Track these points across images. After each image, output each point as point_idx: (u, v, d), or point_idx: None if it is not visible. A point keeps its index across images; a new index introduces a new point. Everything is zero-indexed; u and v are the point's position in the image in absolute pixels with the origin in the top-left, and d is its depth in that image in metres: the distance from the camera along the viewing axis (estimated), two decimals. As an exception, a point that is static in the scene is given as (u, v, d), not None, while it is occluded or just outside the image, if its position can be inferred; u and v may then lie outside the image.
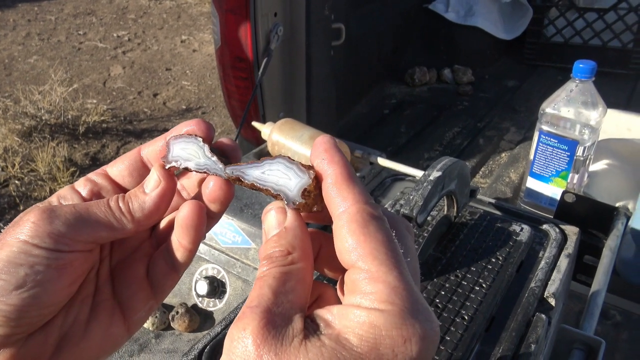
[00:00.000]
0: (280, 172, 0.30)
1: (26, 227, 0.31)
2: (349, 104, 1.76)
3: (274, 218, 0.30)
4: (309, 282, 0.28)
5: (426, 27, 2.30)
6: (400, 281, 0.25)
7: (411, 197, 0.59)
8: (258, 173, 0.31)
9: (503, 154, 1.62)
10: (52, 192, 2.53)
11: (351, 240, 0.27)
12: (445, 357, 0.56)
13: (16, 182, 2.58)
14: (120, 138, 3.03)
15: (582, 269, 0.83)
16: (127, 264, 0.37)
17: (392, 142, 1.65)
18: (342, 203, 0.28)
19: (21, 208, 2.45)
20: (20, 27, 4.55)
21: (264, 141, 0.92)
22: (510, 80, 2.24)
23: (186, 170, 0.34)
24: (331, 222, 0.29)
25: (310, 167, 0.30)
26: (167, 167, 0.34)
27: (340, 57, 1.44)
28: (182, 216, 0.34)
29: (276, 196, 0.30)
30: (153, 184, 0.34)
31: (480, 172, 1.53)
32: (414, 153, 1.59)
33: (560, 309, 0.74)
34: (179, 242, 0.35)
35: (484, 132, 1.76)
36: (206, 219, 0.35)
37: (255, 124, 0.89)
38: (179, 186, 0.37)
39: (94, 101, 3.31)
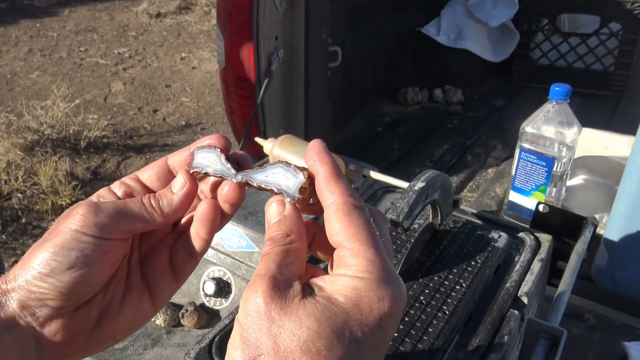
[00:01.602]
0: (280, 174, 0.37)
1: (76, 218, 0.38)
2: (344, 121, 1.83)
3: (275, 208, 0.37)
4: (304, 257, 0.36)
5: (418, 49, 2.38)
6: (377, 256, 0.33)
7: (398, 205, 0.67)
8: (263, 177, 0.38)
9: (489, 170, 1.70)
10: (54, 205, 2.58)
11: (338, 225, 0.34)
12: (428, 346, 0.64)
13: (19, 195, 2.63)
14: (120, 153, 3.09)
15: (555, 274, 0.90)
16: (153, 253, 0.43)
17: (385, 158, 1.72)
18: (330, 196, 0.35)
19: (23, 221, 2.49)
20: (22, 43, 4.63)
21: (264, 155, 1.00)
22: (498, 100, 2.32)
23: (206, 175, 0.41)
24: (323, 213, 0.36)
25: (303, 169, 0.37)
26: (191, 172, 0.41)
27: (336, 78, 1.51)
28: (200, 211, 0.41)
29: (279, 194, 0.37)
30: (179, 185, 0.41)
31: (468, 187, 1.61)
32: (406, 168, 1.67)
33: (535, 308, 0.81)
34: (197, 233, 0.41)
35: (472, 149, 1.84)
36: (220, 215, 0.42)
37: (257, 139, 0.97)
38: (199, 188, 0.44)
39: (95, 116, 3.37)
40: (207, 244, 0.42)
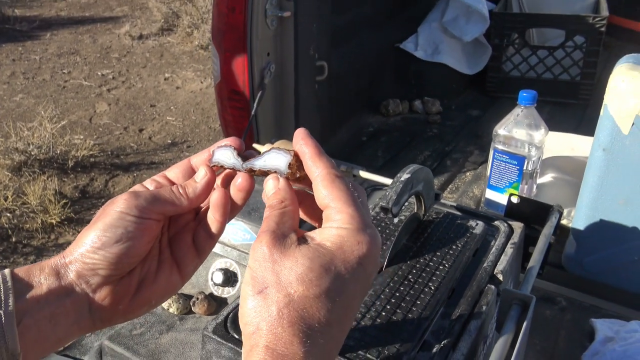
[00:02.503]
0: (273, 157, 0.47)
1: (120, 202, 0.46)
2: (331, 131, 1.93)
3: (271, 183, 0.46)
4: (297, 217, 0.45)
5: (398, 63, 2.49)
6: (355, 211, 0.41)
7: (387, 194, 0.76)
8: (261, 162, 0.47)
9: (468, 173, 1.81)
10: (43, 223, 2.61)
11: (324, 191, 0.42)
12: (416, 315, 0.72)
13: (8, 214, 2.66)
14: (108, 172, 3.13)
15: (527, 259, 1.00)
16: (179, 235, 0.51)
17: (370, 165, 1.82)
18: (316, 170, 0.44)
19: (13, 240, 2.52)
20: (4, 66, 4.64)
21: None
22: (474, 110, 2.43)
23: (222, 168, 0.50)
24: (311, 185, 0.45)
25: (290, 150, 0.46)
26: (211, 166, 0.50)
27: (323, 91, 1.60)
28: (214, 198, 0.49)
29: (274, 172, 0.47)
30: (202, 175, 0.50)
31: (448, 189, 1.72)
32: (390, 173, 1.75)
33: (510, 286, 0.91)
34: (213, 217, 0.49)
35: (451, 155, 1.95)
36: (229, 200, 0.50)
37: (255, 145, 1.06)
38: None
39: (81, 137, 3.40)
40: (222, 225, 0.51)
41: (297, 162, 0.46)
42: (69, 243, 2.56)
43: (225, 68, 1.28)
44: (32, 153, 3.04)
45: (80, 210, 2.78)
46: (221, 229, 0.51)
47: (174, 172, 0.52)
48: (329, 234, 0.41)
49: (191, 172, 0.52)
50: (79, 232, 2.54)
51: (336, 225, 0.41)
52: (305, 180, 0.47)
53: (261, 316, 0.38)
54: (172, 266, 0.50)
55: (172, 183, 0.51)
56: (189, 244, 0.51)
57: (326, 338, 0.38)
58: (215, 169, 0.51)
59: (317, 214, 0.46)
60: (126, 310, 0.48)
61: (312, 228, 0.47)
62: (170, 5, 5.68)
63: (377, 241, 0.42)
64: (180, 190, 0.49)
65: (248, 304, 0.39)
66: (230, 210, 0.50)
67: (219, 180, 0.52)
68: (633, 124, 1.04)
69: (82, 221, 2.69)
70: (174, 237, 0.51)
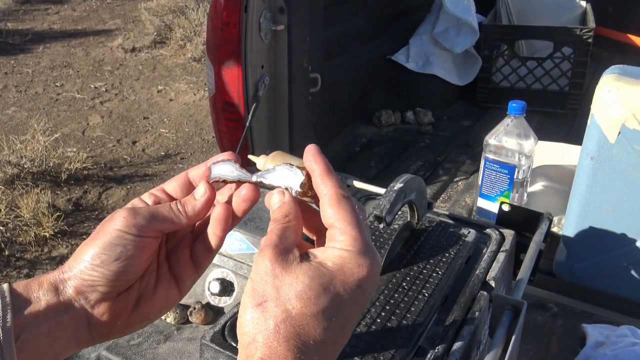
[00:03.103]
0: (284, 174, 0.47)
1: (119, 220, 0.46)
2: (325, 142, 1.94)
3: (277, 197, 0.46)
4: (300, 232, 0.45)
5: (390, 75, 2.52)
6: (359, 234, 0.42)
7: (381, 203, 0.78)
8: (272, 176, 0.48)
9: (460, 183, 1.83)
10: (37, 236, 2.60)
11: (330, 210, 0.43)
12: (411, 322, 0.74)
13: (1, 228, 2.64)
14: (101, 184, 3.12)
15: (519, 266, 1.02)
16: (177, 249, 0.51)
17: (363, 175, 1.84)
18: (324, 188, 0.44)
19: (6, 253, 2.51)
20: (-3, 79, 4.63)
21: (257, 171, 1.10)
22: (465, 121, 2.46)
23: (224, 182, 0.49)
24: (319, 202, 0.46)
25: (302, 168, 0.47)
26: (210, 182, 0.49)
27: (316, 102, 1.62)
28: (217, 213, 0.49)
29: (286, 189, 0.47)
30: (201, 192, 0.49)
31: (441, 198, 1.74)
32: (383, 183, 1.78)
33: (501, 291, 0.92)
34: (213, 232, 0.49)
35: (443, 165, 1.97)
36: (231, 215, 0.49)
37: (251, 157, 1.08)
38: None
39: (74, 149, 3.40)
40: (221, 240, 0.50)
41: (308, 182, 0.46)
42: (62, 256, 2.56)
43: (219, 81, 1.30)
44: (25, 166, 3.04)
45: (73, 223, 2.77)
46: (220, 244, 0.51)
47: (172, 186, 0.52)
48: (331, 254, 0.42)
49: (189, 186, 0.52)
50: (72, 245, 2.53)
51: (339, 246, 0.42)
52: (315, 197, 0.47)
53: (258, 328, 0.39)
54: (170, 281, 0.51)
55: (171, 197, 0.51)
56: (187, 258, 0.51)
57: (320, 355, 0.39)
58: (214, 185, 0.50)
59: (316, 228, 0.47)
60: (124, 325, 0.49)
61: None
62: (163, 18, 5.71)
63: (377, 264, 0.42)
64: (180, 208, 0.49)
65: (247, 315, 0.40)
66: (232, 218, 0.50)
67: (219, 196, 0.52)
68: (619, 133, 1.07)
69: (75, 234, 2.68)
70: (172, 251, 0.52)
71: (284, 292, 0.39)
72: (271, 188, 0.48)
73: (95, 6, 7.04)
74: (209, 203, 0.49)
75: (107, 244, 0.45)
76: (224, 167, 0.49)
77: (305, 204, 0.49)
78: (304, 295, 0.39)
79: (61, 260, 2.50)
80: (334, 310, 0.40)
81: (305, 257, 0.42)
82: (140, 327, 0.51)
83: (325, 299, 0.39)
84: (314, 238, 0.50)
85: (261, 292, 0.40)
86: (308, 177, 0.46)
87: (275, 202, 0.46)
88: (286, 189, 0.47)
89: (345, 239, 0.42)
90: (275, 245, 0.42)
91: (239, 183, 0.49)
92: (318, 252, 0.42)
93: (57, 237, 2.64)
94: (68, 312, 0.45)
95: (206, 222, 0.51)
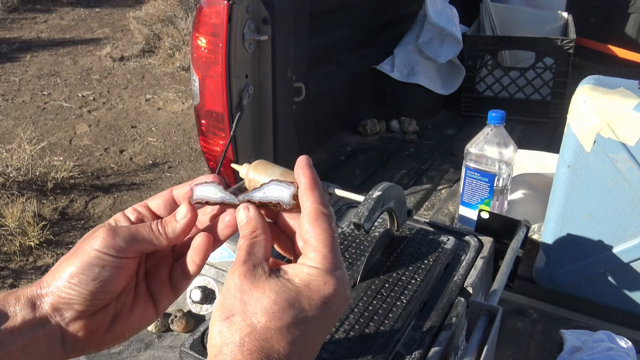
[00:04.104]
0: (273, 190, 0.47)
1: (98, 240, 0.46)
2: (309, 151, 1.96)
3: (242, 213, 0.47)
4: (269, 246, 0.46)
5: (375, 84, 2.55)
6: (330, 253, 0.43)
7: (359, 210, 0.79)
8: (261, 194, 0.47)
9: (443, 191, 1.86)
10: (22, 246, 2.58)
11: (307, 226, 0.44)
12: (389, 327, 0.75)
13: (-15, 237, 2.62)
14: (88, 193, 3.10)
15: (498, 272, 1.04)
16: (156, 269, 0.52)
17: (348, 184, 1.86)
18: (306, 202, 0.45)
19: (-9, 262, 2.48)
20: (-17, 88, 4.60)
21: (240, 179, 1.11)
22: (449, 129, 2.49)
23: (207, 204, 0.48)
24: None
25: (292, 182, 0.47)
26: (193, 203, 0.49)
27: (301, 112, 1.64)
28: (197, 242, 0.49)
29: (277, 204, 0.47)
30: (182, 215, 0.49)
31: (424, 206, 1.76)
32: (367, 192, 1.80)
33: (480, 297, 0.94)
34: (192, 259, 0.50)
35: (427, 173, 2.00)
36: (212, 245, 0.50)
37: (233, 165, 1.08)
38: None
39: (61, 158, 3.38)
40: (199, 268, 0.51)
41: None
42: (47, 265, 2.53)
43: (204, 90, 1.31)
44: (11, 175, 3.01)
45: (59, 232, 2.75)
46: (198, 271, 0.51)
47: (156, 204, 0.52)
48: (300, 270, 0.43)
49: (173, 204, 0.52)
50: (57, 255, 2.50)
51: (309, 263, 0.43)
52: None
53: (224, 341, 0.40)
54: (147, 301, 0.51)
55: (154, 214, 0.52)
56: (165, 279, 0.52)
57: None
58: (196, 206, 0.49)
59: (285, 242, 0.48)
60: (99, 342, 0.49)
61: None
62: (152, 27, 5.71)
63: (344, 283, 0.43)
64: (160, 229, 0.49)
65: (215, 327, 0.41)
66: (213, 244, 0.50)
67: (202, 216, 0.52)
68: (595, 141, 1.10)
69: (61, 243, 2.66)
70: (151, 271, 0.52)
71: (251, 307, 0.41)
72: (262, 207, 0.48)
73: (83, 15, 7.03)
74: (190, 226, 0.49)
75: (85, 263, 0.46)
76: (207, 188, 0.49)
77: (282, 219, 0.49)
78: (269, 310, 0.40)
79: (46, 269, 2.47)
80: (299, 325, 0.41)
81: (274, 272, 0.43)
82: (115, 344, 0.52)
83: (290, 314, 0.41)
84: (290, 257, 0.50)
85: (229, 307, 0.41)
86: (298, 189, 0.46)
87: (241, 219, 0.47)
88: (278, 203, 0.47)
89: (316, 257, 0.43)
90: (244, 261, 0.43)
91: (222, 205, 0.49)
92: (289, 269, 0.44)
93: (42, 246, 2.62)
94: (43, 328, 0.46)
95: (187, 244, 0.51)
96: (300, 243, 0.47)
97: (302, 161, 0.47)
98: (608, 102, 1.07)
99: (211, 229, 0.50)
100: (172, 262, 0.52)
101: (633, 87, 1.10)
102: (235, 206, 0.48)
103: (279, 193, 0.47)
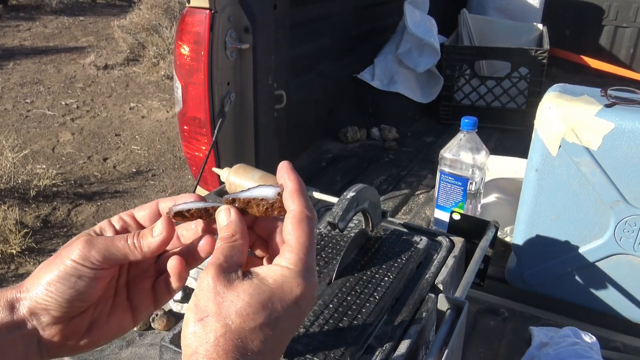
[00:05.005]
0: (261, 190, 0.50)
1: (75, 251, 0.48)
2: (291, 158, 1.98)
3: (223, 215, 0.48)
4: (246, 250, 0.47)
5: (356, 93, 2.59)
6: (305, 256, 0.45)
7: (334, 210, 0.83)
8: (247, 193, 0.50)
9: (421, 196, 1.91)
10: (3, 253, 2.57)
11: (290, 227, 0.46)
12: (361, 322, 0.79)
13: (-34, 245, 2.60)
14: (71, 201, 3.10)
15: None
16: (138, 279, 0.53)
17: (329, 189, 1.89)
18: (292, 205, 0.47)
19: (-29, 270, 2.47)
20: (-35, 96, 4.56)
21: (222, 183, 1.15)
22: (428, 137, 2.55)
23: (188, 213, 0.49)
24: None
25: (277, 185, 0.49)
26: (173, 214, 0.49)
27: (282, 119, 1.67)
28: (171, 265, 0.50)
29: (261, 200, 0.48)
30: (158, 232, 0.50)
31: (402, 210, 1.80)
32: (347, 197, 1.84)
33: (450, 294, 0.98)
34: (171, 280, 0.51)
35: (406, 179, 2.05)
36: (186, 268, 0.51)
37: (215, 169, 1.12)
38: (179, 233, 0.53)
39: (44, 166, 3.37)
40: (181, 285, 0.52)
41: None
42: (29, 273, 2.53)
43: (187, 96, 1.35)
44: (-8, 183, 3.00)
45: (41, 240, 2.75)
46: (180, 288, 0.53)
47: (142, 215, 0.53)
48: (274, 271, 0.45)
49: (158, 216, 0.53)
50: (40, 262, 2.51)
51: (284, 263, 0.45)
52: (283, 211, 0.48)
53: (199, 341, 0.42)
54: (125, 310, 0.52)
55: (139, 224, 0.53)
56: (148, 290, 0.53)
57: None
58: (173, 223, 0.50)
59: (262, 245, 0.50)
60: (74, 347, 0.51)
61: None
62: (136, 36, 5.72)
63: (313, 286, 0.46)
64: (135, 243, 0.50)
65: (189, 328, 0.42)
66: (189, 264, 0.52)
67: (188, 233, 0.53)
68: (560, 146, 1.15)
69: (43, 251, 2.66)
70: (133, 280, 0.53)
71: (225, 309, 0.42)
72: (244, 205, 0.49)
73: (67, 23, 7.01)
74: (165, 243, 0.50)
75: (62, 272, 0.47)
76: (187, 205, 0.50)
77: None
78: (243, 312, 0.42)
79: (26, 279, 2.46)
80: (271, 324, 0.43)
81: (247, 274, 0.45)
82: (90, 349, 0.53)
83: (263, 314, 0.42)
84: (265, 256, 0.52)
85: (203, 308, 0.43)
86: (282, 189, 0.49)
87: (222, 220, 0.48)
88: (263, 199, 0.48)
89: (291, 258, 0.45)
90: (220, 264, 0.44)
91: (205, 215, 0.50)
92: (262, 270, 0.45)
93: (24, 254, 2.61)
94: (20, 331, 0.47)
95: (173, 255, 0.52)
96: (278, 243, 0.49)
97: (285, 166, 0.49)
98: (572, 108, 1.13)
99: (192, 245, 0.52)
100: (155, 274, 0.53)
101: (596, 94, 1.16)
102: (216, 208, 0.49)
103: (264, 192, 0.49)
